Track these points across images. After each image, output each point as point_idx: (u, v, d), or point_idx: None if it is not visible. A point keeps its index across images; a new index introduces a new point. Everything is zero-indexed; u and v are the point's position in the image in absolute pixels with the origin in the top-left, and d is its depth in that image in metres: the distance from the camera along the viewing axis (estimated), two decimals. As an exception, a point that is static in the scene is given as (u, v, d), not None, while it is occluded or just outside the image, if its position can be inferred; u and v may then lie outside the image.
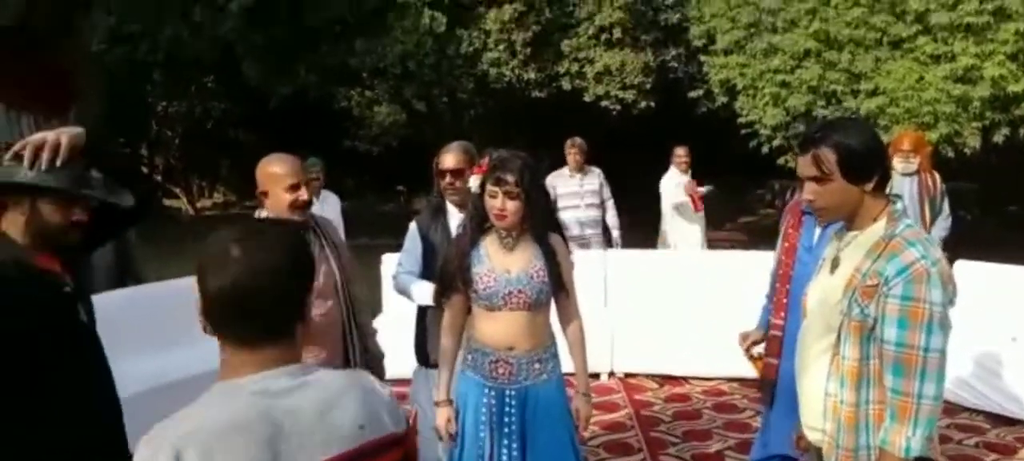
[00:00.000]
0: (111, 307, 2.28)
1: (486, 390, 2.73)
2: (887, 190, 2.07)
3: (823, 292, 2.11)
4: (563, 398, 2.82)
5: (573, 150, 6.78)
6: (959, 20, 7.34)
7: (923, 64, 7.67)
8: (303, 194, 2.81)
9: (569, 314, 2.87)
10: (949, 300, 1.93)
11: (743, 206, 15.15)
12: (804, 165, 2.05)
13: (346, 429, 1.32)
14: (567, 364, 2.86)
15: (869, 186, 1.99)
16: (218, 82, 15.61)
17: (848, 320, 1.98)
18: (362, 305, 3.16)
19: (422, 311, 3.37)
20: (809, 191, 2.06)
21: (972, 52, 7.26)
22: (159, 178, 20.15)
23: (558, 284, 2.74)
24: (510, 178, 2.60)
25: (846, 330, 1.99)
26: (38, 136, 1.96)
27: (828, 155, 1.98)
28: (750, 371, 3.52)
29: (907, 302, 1.88)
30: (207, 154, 20.23)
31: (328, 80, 12.19)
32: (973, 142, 7.45)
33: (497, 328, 2.71)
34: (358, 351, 3.02)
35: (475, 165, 3.32)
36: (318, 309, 2.86)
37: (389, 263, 5.76)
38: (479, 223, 2.74)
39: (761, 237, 10.98)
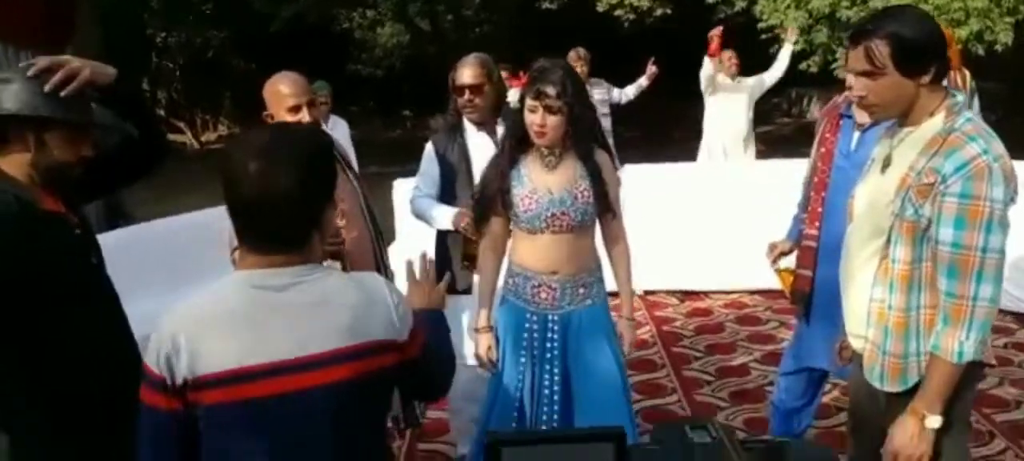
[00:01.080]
0: (112, 248, 2.15)
1: (528, 315, 2.62)
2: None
3: (873, 193, 1.96)
4: (608, 322, 2.71)
5: (578, 61, 6.51)
6: (992, -92, 6.93)
7: (953, -44, 7.28)
8: (305, 116, 2.62)
9: (615, 235, 2.73)
10: (1011, 197, 1.79)
11: (758, 115, 14.84)
12: (855, 59, 1.87)
13: (333, 327, 1.37)
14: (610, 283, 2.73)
15: (925, 79, 1.82)
16: (217, 7, 15.23)
17: (900, 221, 1.84)
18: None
19: (442, 236, 3.23)
20: (860, 87, 1.88)
21: (1005, -58, 6.88)
22: (162, 113, 19.92)
23: (604, 205, 2.59)
24: (551, 91, 2.42)
25: (897, 232, 1.85)
26: (48, 59, 1.79)
27: (881, 47, 1.80)
28: (772, 283, 3.40)
29: (966, 200, 1.74)
30: (209, 85, 19.92)
31: (331, 1, 11.83)
32: (1005, 38, 7.14)
33: (540, 251, 2.58)
34: (388, 273, 2.90)
35: (494, 78, 3.14)
36: (351, 232, 2.72)
37: (401, 189, 5.61)
38: (519, 140, 2.56)
39: (777, 147, 10.73)
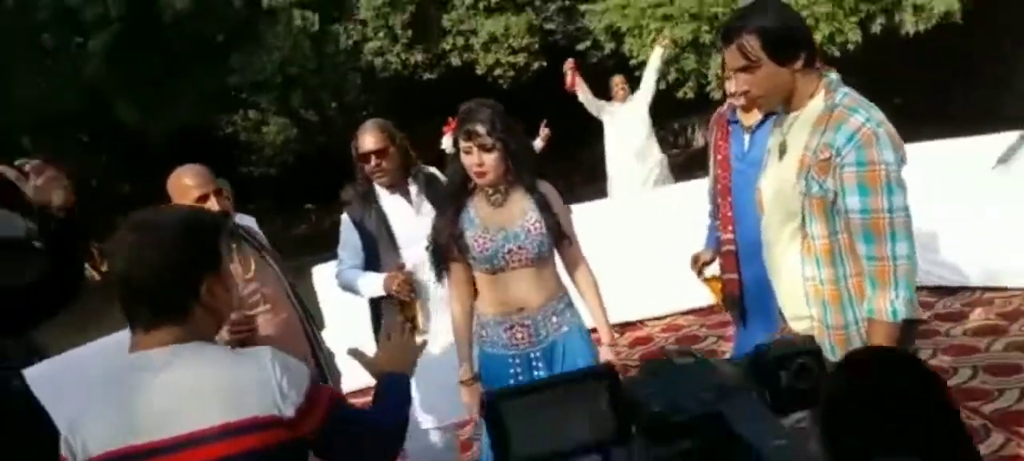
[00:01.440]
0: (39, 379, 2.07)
1: (510, 360, 2.59)
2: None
3: (777, 180, 2.08)
4: (589, 345, 2.68)
5: (449, 126, 6.59)
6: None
7: (795, -30, 7.85)
8: (213, 205, 2.59)
9: (574, 260, 2.70)
10: (901, 159, 1.92)
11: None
12: (730, 57, 2.01)
13: (209, 405, 1.38)
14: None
15: (798, 64, 1.96)
16: (93, 135, 14.70)
17: (808, 199, 1.96)
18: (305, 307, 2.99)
19: (375, 304, 3.20)
20: (741, 82, 2.02)
21: (836, -51, 7.48)
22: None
23: (557, 233, 2.58)
24: (481, 129, 2.42)
25: (809, 210, 1.96)
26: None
27: (752, 41, 1.94)
28: (701, 300, 3.49)
29: (862, 168, 1.86)
30: (100, 213, 19.12)
31: (208, 106, 11.63)
32: (854, 37, 7.70)
33: (504, 290, 2.56)
34: (325, 348, 2.89)
35: (397, 140, 3.16)
36: (276, 317, 2.69)
37: (321, 274, 5.49)
38: (462, 183, 2.55)
39: (672, 176, 11.11)
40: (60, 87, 10.65)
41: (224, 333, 2.50)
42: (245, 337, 2.49)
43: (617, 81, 7.01)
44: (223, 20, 10.65)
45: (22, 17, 10.02)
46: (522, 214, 2.53)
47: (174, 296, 1.41)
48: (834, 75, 2.01)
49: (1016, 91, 5.25)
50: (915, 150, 5.28)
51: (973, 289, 4.76)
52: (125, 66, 10.24)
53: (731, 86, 2.05)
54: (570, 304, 2.67)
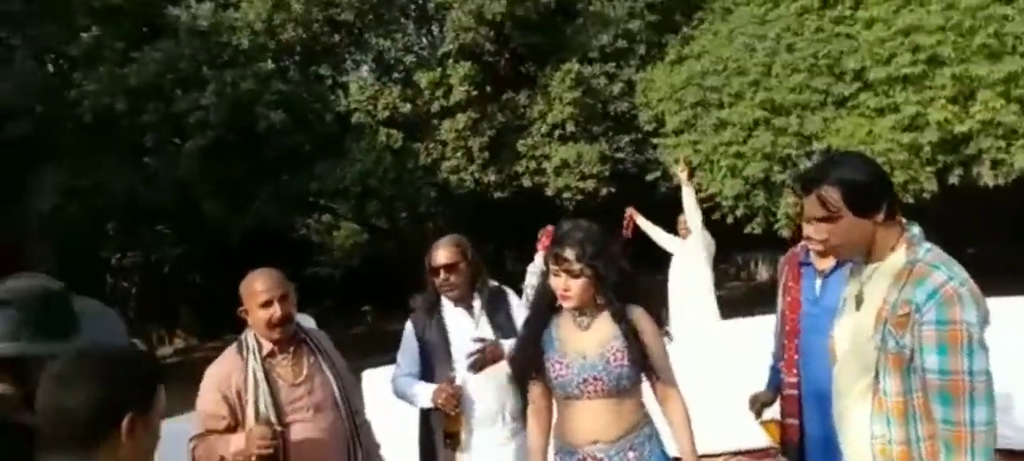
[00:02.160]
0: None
1: None
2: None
3: (853, 331, 2.04)
4: None
5: (545, 238, 6.75)
6: (897, 72, 7.66)
7: (869, 118, 7.94)
8: (277, 312, 2.69)
9: (664, 396, 2.54)
10: (984, 319, 1.87)
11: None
12: (810, 206, 2.00)
13: None
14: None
15: (880, 217, 1.94)
16: (174, 225, 15.42)
17: (884, 354, 1.91)
18: (364, 418, 3.01)
19: (425, 414, 3.23)
20: (820, 231, 2.00)
21: (914, 101, 7.55)
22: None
23: (644, 365, 2.44)
24: (569, 254, 2.37)
25: (884, 365, 1.92)
26: None
27: (832, 193, 1.94)
28: (757, 441, 3.39)
29: (943, 327, 1.82)
30: (164, 300, 19.79)
31: (287, 210, 12.13)
32: (929, 186, 7.66)
33: (577, 419, 2.45)
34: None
35: (469, 256, 3.26)
36: (319, 424, 2.73)
37: (370, 378, 5.56)
38: (549, 302, 2.50)
39: (731, 310, 10.97)
40: (153, 182, 11.27)
41: (241, 442, 2.56)
42: (270, 449, 2.52)
43: (682, 221, 7.09)
44: (313, 132, 11.22)
45: (131, 118, 10.74)
46: (605, 342, 2.43)
47: (92, 427, 1.44)
48: (916, 229, 1.99)
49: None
50: (997, 305, 5.17)
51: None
52: (216, 169, 10.82)
53: (810, 231, 2.04)
54: (652, 436, 2.53)
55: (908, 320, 1.87)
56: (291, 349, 2.79)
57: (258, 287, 2.71)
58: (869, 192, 1.95)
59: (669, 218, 7.33)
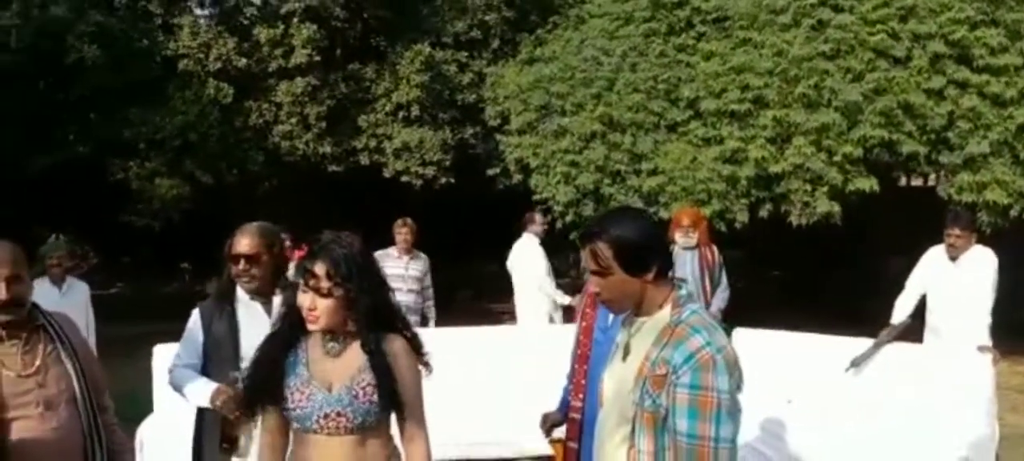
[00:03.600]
0: None
1: None
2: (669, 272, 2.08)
3: (618, 381, 2.07)
4: None
5: (404, 230, 6.54)
6: (725, 107, 8.04)
7: (696, 146, 8.30)
8: (1, 293, 2.33)
9: (411, 435, 2.29)
10: (737, 385, 1.94)
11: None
12: (586, 258, 2.05)
13: None
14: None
15: (649, 276, 1.99)
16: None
17: (641, 411, 1.94)
18: (110, 417, 2.69)
19: (201, 413, 3.02)
20: (593, 283, 2.07)
21: (737, 136, 7.96)
22: None
23: (392, 402, 2.20)
24: (319, 270, 2.13)
25: (640, 421, 1.95)
26: None
27: (604, 250, 1.98)
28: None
29: (695, 391, 1.86)
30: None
31: (99, 151, 11.17)
32: (742, 217, 8.11)
33: (315, 457, 2.19)
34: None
35: (275, 248, 3.04)
36: (48, 422, 2.40)
37: (162, 355, 5.17)
38: (297, 321, 2.21)
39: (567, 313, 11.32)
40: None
41: None
42: None
43: (538, 218, 7.38)
44: (131, 73, 10.34)
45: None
46: (355, 374, 2.19)
47: None
48: (685, 291, 2.04)
49: (879, 295, 5.64)
50: (781, 336, 5.53)
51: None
52: (13, 97, 9.76)
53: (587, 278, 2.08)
54: None
55: (665, 380, 1.90)
56: (23, 335, 2.44)
57: None
58: (640, 252, 1.98)
59: (505, 213, 7.40)
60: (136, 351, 5.35)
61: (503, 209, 12.19)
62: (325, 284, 2.14)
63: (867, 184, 7.67)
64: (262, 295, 3.04)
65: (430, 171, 11.55)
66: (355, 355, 2.22)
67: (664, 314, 2.00)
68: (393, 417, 2.28)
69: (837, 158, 7.61)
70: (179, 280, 17.70)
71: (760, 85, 7.91)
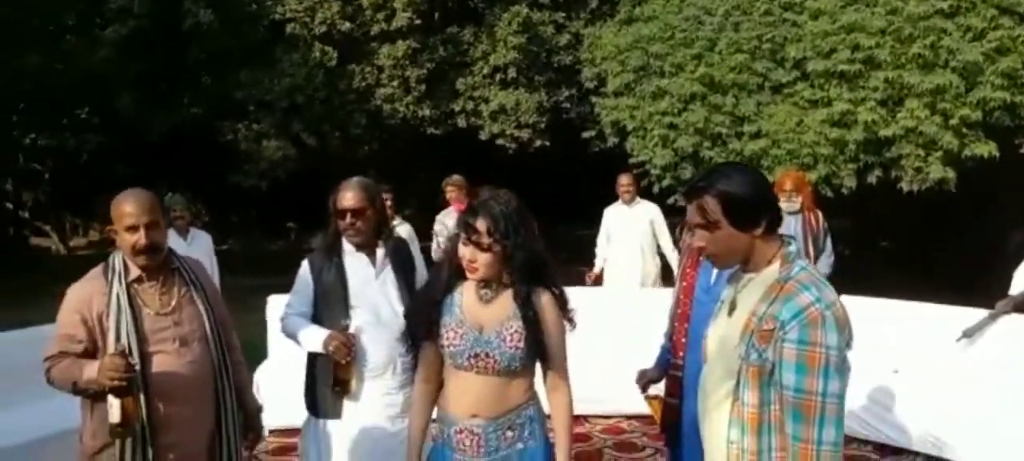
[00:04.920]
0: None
1: None
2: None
3: (722, 336, 2.08)
4: None
5: (451, 187, 6.79)
6: (834, 68, 7.73)
7: (802, 108, 8.03)
8: (142, 238, 2.55)
9: (553, 383, 2.48)
10: (846, 342, 1.91)
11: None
12: (691, 213, 2.04)
13: None
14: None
15: (758, 231, 1.98)
16: (93, 114, 14.75)
17: (746, 365, 1.94)
18: (238, 355, 2.92)
19: (312, 357, 3.18)
20: (699, 238, 2.04)
21: (846, 98, 7.66)
22: (26, 215, 18.79)
23: (539, 353, 2.39)
24: (481, 226, 2.29)
25: (745, 375, 1.95)
26: None
27: (712, 204, 1.97)
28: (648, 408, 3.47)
29: (803, 346, 1.85)
30: (81, 190, 19.03)
31: (212, 113, 11.71)
32: (850, 182, 7.82)
33: (461, 391, 2.38)
34: (230, 405, 2.76)
35: (377, 203, 3.16)
36: (184, 357, 2.63)
37: (274, 305, 5.48)
38: (456, 268, 2.40)
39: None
40: (71, 66, 10.71)
41: (94, 371, 2.44)
42: (124, 380, 2.39)
43: (622, 182, 7.10)
44: (242, 37, 10.75)
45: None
46: (504, 320, 2.35)
47: None
48: (793, 247, 2.02)
49: (997, 269, 5.34)
50: (889, 304, 5.36)
51: (916, 454, 4.77)
52: (136, 61, 10.32)
53: (690, 238, 2.06)
54: (535, 418, 2.45)
55: (771, 335, 1.90)
56: (161, 277, 2.67)
57: (126, 209, 2.57)
58: (749, 206, 1.96)
59: (602, 176, 7.35)
60: (249, 302, 5.67)
61: (599, 172, 12.11)
62: (486, 239, 2.30)
63: (985, 149, 7.28)
64: (366, 247, 3.17)
65: (525, 134, 11.59)
66: (506, 303, 2.37)
67: (772, 270, 1.98)
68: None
69: (953, 122, 7.24)
70: (285, 238, 18.47)
71: (871, 45, 7.56)
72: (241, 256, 15.07)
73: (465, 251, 2.33)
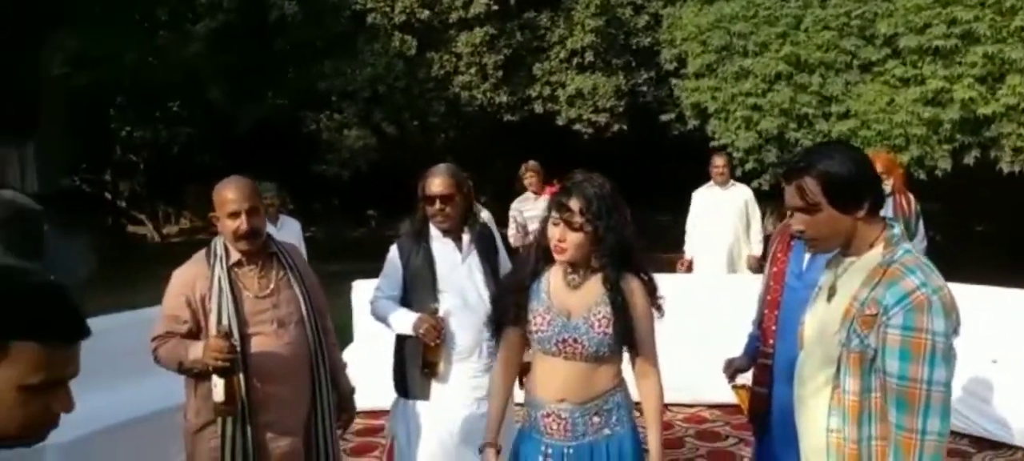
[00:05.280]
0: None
1: (542, 447, 2.40)
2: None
3: (821, 322, 2.01)
4: (633, 455, 2.43)
5: (529, 173, 6.79)
6: (928, 44, 7.40)
7: (893, 87, 7.73)
8: (243, 224, 2.65)
9: (642, 370, 2.46)
10: (953, 329, 1.84)
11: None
12: (790, 195, 1.97)
13: None
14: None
15: (860, 213, 1.90)
16: (184, 106, 15.36)
17: (847, 351, 1.88)
18: (332, 338, 3.01)
19: (401, 340, 3.25)
20: (798, 221, 1.97)
21: (941, 75, 7.32)
22: (123, 204, 19.75)
23: (627, 340, 2.37)
24: (574, 205, 2.28)
25: (846, 362, 1.89)
26: None
27: (812, 185, 1.89)
28: (731, 397, 3.42)
29: (908, 332, 1.78)
30: (173, 179, 19.88)
31: (296, 104, 12.02)
32: (944, 164, 7.50)
33: (549, 376, 2.38)
34: (326, 386, 2.86)
35: (464, 188, 3.22)
36: (282, 339, 2.73)
37: (360, 290, 5.62)
38: (546, 251, 2.39)
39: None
40: (163, 61, 11.16)
41: (199, 351, 2.56)
42: (228, 361, 2.51)
43: (717, 163, 6.97)
44: (325, 29, 10.98)
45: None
46: (592, 306, 2.33)
47: None
48: (898, 230, 1.94)
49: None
50: (987, 291, 5.14)
51: (1015, 449, 4.56)
52: (225, 54, 10.67)
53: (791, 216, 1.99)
54: (622, 404, 2.44)
55: (875, 321, 1.83)
56: (259, 261, 2.77)
57: (228, 196, 2.68)
58: (852, 187, 1.89)
59: (681, 160, 7.22)
60: (334, 288, 5.81)
61: (678, 156, 11.89)
62: (578, 219, 2.28)
63: (1094, 127, 6.86)
64: (453, 232, 3.21)
65: (602, 118, 11.48)
66: (594, 289, 2.35)
67: (875, 254, 1.91)
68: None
69: (1059, 98, 6.84)
70: (366, 226, 18.84)
71: (969, 19, 7.19)
72: (325, 243, 15.45)
73: (555, 231, 2.32)
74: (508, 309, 2.45)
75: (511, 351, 2.52)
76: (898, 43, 7.72)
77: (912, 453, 1.79)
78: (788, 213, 2.13)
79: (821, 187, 1.88)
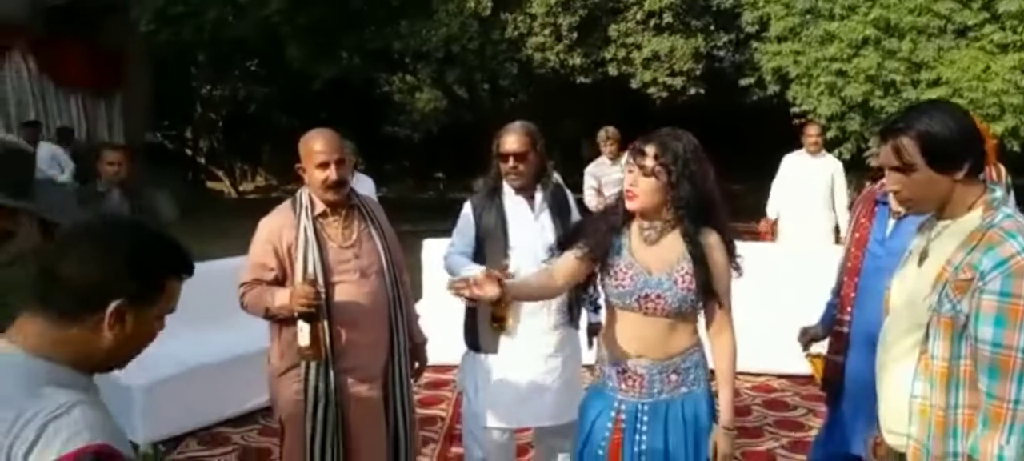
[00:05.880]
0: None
1: (616, 404, 2.39)
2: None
3: (910, 287, 1.94)
4: (708, 418, 2.40)
5: (608, 141, 6.75)
6: (1031, 7, 7.01)
7: (990, 53, 7.36)
8: (332, 174, 2.73)
9: (719, 327, 2.42)
10: None
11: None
12: (886, 155, 1.89)
13: None
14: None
15: (960, 175, 1.82)
16: (261, 65, 15.73)
17: (938, 316, 1.81)
18: (407, 290, 3.08)
19: None
20: (893, 181, 1.89)
21: (1043, 41, 6.94)
22: (202, 160, 20.45)
23: (706, 293, 2.33)
24: (648, 150, 2.24)
25: (935, 327, 1.82)
26: None
27: (910, 145, 1.82)
28: (801, 368, 3.35)
29: (1005, 299, 1.71)
30: (250, 137, 20.49)
31: (371, 64, 12.14)
32: (1040, 136, 7.13)
33: (629, 332, 2.36)
34: (402, 335, 2.94)
35: (538, 147, 3.21)
36: (363, 288, 2.80)
37: (430, 248, 5.69)
38: (624, 209, 2.35)
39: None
40: (242, 18, 11.39)
41: (285, 298, 2.64)
42: (313, 307, 2.59)
43: (811, 132, 6.85)
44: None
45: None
46: (674, 261, 2.31)
47: (71, 303, 1.26)
48: (999, 193, 1.86)
49: None
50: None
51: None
52: (303, 12, 10.83)
53: (886, 177, 1.91)
54: (699, 364, 2.43)
55: (969, 285, 1.76)
56: (343, 212, 2.85)
57: (316, 147, 2.74)
58: (951, 148, 1.81)
59: (759, 127, 7.05)
60: (404, 245, 5.90)
61: (754, 123, 11.59)
62: (649, 163, 2.24)
63: None
64: (526, 190, 3.21)
65: (678, 82, 11.23)
66: (673, 244, 2.32)
67: (972, 217, 1.83)
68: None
69: None
70: (435, 188, 19.07)
71: (1077, -20, 6.78)
72: (395, 203, 15.74)
73: (628, 177, 2.29)
74: (586, 244, 2.39)
75: (565, 269, 2.42)
76: (997, 7, 7.34)
77: (1003, 422, 1.73)
78: (870, 181, 2.05)
79: (919, 147, 1.81)
